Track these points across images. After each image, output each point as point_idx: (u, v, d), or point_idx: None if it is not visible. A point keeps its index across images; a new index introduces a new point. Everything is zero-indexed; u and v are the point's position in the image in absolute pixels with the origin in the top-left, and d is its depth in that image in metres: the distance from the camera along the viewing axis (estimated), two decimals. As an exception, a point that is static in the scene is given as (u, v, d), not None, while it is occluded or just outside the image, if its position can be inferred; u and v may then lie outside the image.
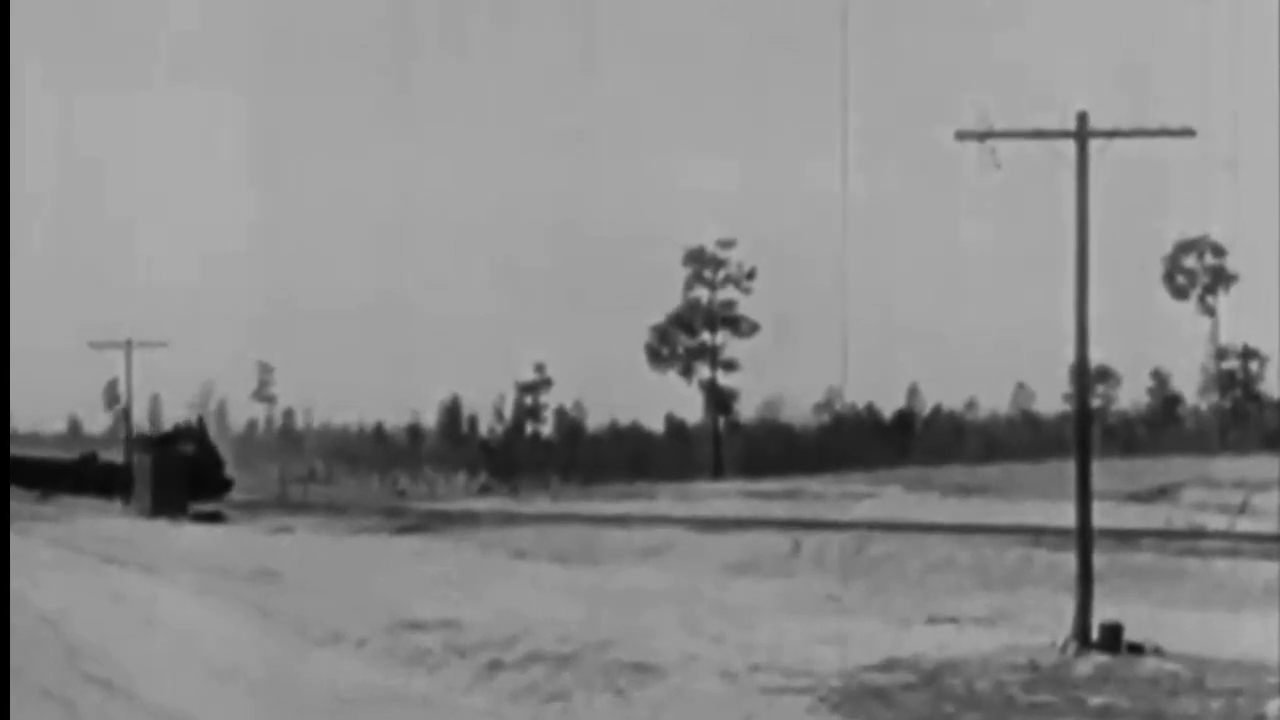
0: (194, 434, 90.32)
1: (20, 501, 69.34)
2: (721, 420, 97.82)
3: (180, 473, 73.30)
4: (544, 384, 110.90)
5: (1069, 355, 23.71)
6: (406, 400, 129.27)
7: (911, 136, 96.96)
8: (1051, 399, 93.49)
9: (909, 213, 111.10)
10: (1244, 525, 42.25)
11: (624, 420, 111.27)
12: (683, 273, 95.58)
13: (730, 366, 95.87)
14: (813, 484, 65.63)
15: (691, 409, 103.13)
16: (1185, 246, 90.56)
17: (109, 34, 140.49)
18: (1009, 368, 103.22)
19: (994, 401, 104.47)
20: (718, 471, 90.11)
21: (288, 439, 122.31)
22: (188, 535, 54.38)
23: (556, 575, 35.70)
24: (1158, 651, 21.17)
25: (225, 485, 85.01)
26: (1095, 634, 21.64)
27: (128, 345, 76.65)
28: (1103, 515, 27.60)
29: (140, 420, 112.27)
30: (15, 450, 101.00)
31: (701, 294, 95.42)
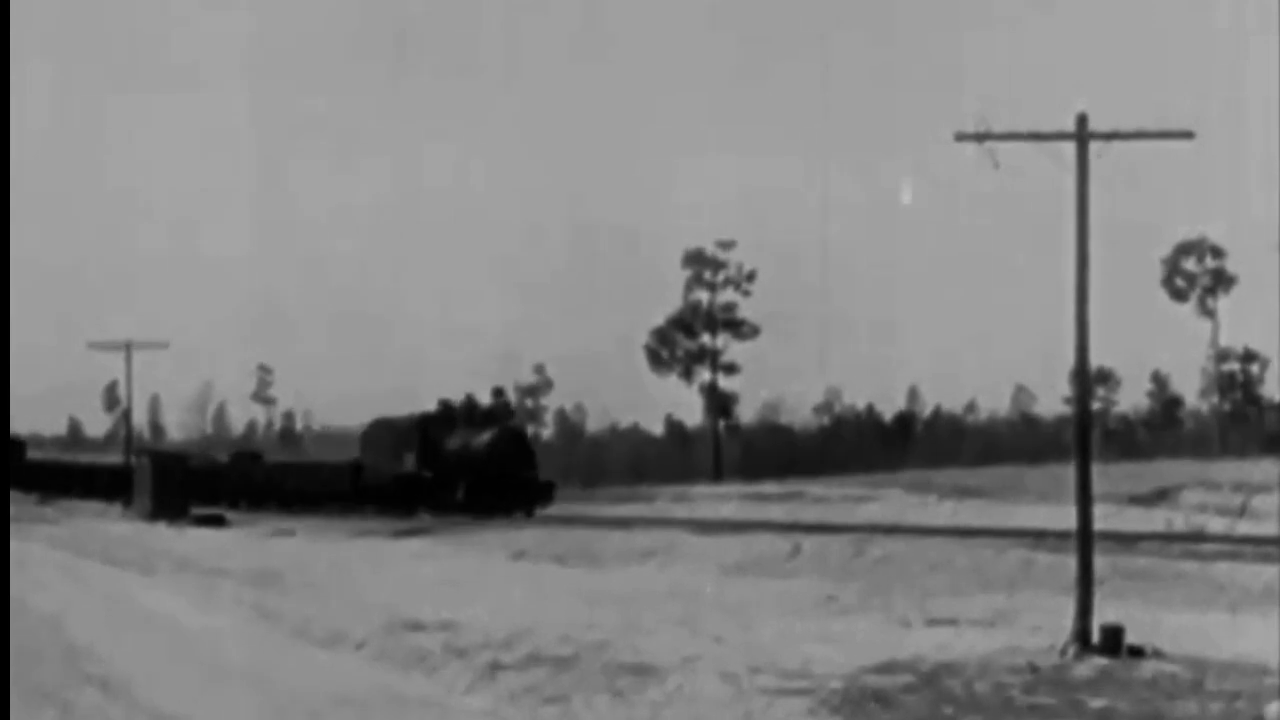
0: (493, 416, 65.82)
1: (20, 504, 69.34)
2: (721, 423, 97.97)
3: (181, 474, 70.46)
4: (544, 386, 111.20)
5: (1069, 358, 23.70)
6: (406, 403, 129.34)
7: (911, 138, 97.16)
8: (1051, 401, 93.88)
9: (909, 215, 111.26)
10: (1244, 528, 42.32)
11: (624, 423, 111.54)
12: (682, 275, 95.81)
13: (730, 369, 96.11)
14: (812, 486, 65.71)
15: (692, 411, 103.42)
16: (1184, 249, 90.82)
17: (112, 37, 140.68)
18: (1009, 370, 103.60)
19: (994, 404, 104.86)
20: (718, 474, 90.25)
21: (287, 441, 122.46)
22: (189, 538, 54.39)
23: (556, 576, 35.74)
24: (1158, 654, 21.16)
25: (543, 491, 60.77)
26: (1095, 636, 21.63)
27: (127, 347, 76.53)
28: (1103, 518, 27.65)
29: (140, 422, 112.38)
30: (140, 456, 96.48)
31: (701, 296, 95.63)
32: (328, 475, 68.81)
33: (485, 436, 61.31)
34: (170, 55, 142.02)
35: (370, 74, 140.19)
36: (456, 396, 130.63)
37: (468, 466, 60.13)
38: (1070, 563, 23.54)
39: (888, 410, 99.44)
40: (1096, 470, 23.67)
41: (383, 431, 66.18)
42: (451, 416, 64.02)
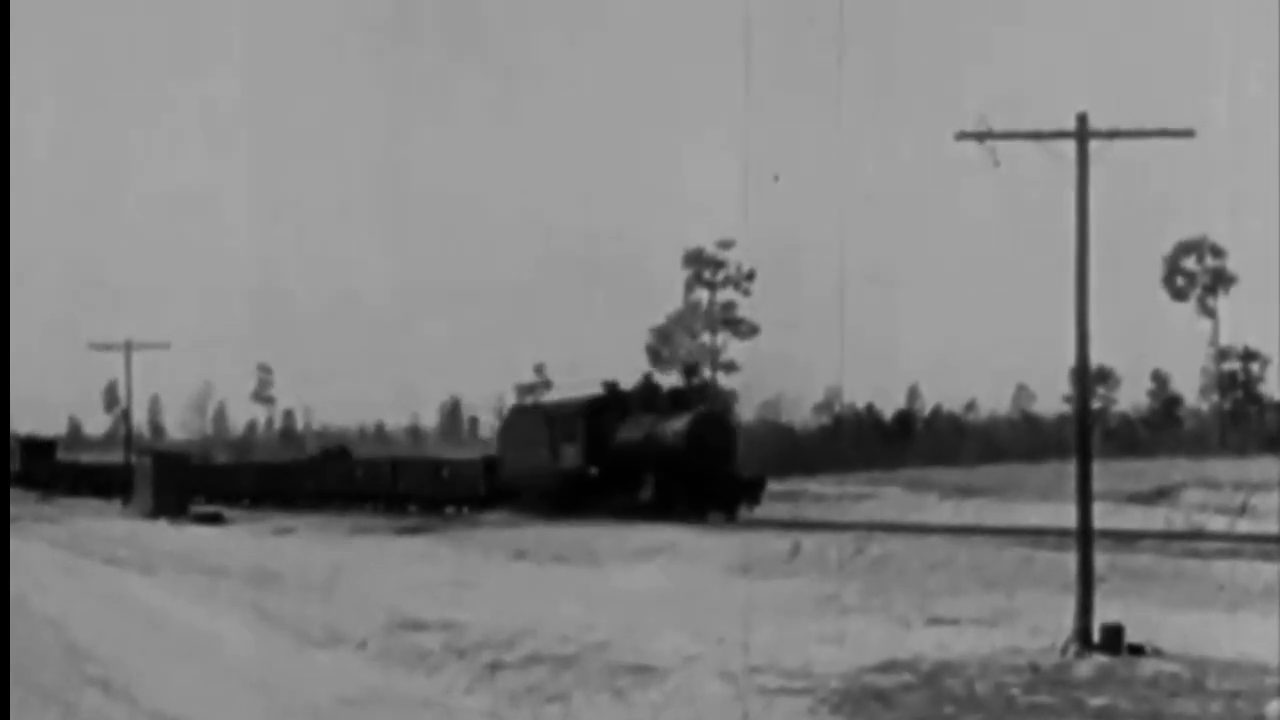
0: (683, 399, 54.23)
1: (21, 503, 69.32)
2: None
3: (182, 472, 70.28)
4: (544, 385, 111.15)
5: (1069, 357, 23.72)
6: (407, 402, 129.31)
7: (911, 137, 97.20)
8: (1052, 400, 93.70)
9: (909, 213, 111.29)
10: (1244, 526, 42.28)
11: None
12: (683, 274, 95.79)
13: (730, 368, 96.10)
14: (812, 485, 65.57)
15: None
16: (1185, 248, 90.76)
17: (111, 34, 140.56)
18: (1009, 369, 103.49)
19: (994, 403, 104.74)
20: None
21: (288, 440, 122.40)
22: (188, 536, 54.39)
23: (557, 576, 35.76)
24: (1158, 653, 21.18)
25: (749, 489, 50.03)
26: (1096, 635, 21.65)
27: (127, 346, 76.51)
28: (1103, 516, 27.65)
29: (140, 421, 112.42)
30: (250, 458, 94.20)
31: (702, 296, 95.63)
32: (453, 474, 60.23)
33: (679, 424, 50.30)
34: (170, 51, 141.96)
35: (371, 74, 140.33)
36: (457, 394, 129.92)
37: (654, 460, 49.94)
38: (1070, 561, 23.55)
39: (888, 409, 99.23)
40: (1097, 469, 23.68)
41: (531, 421, 56.49)
42: (624, 401, 53.62)
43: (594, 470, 52.07)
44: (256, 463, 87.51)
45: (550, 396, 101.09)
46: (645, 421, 51.62)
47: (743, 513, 48.87)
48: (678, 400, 53.37)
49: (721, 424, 52.40)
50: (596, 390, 55.25)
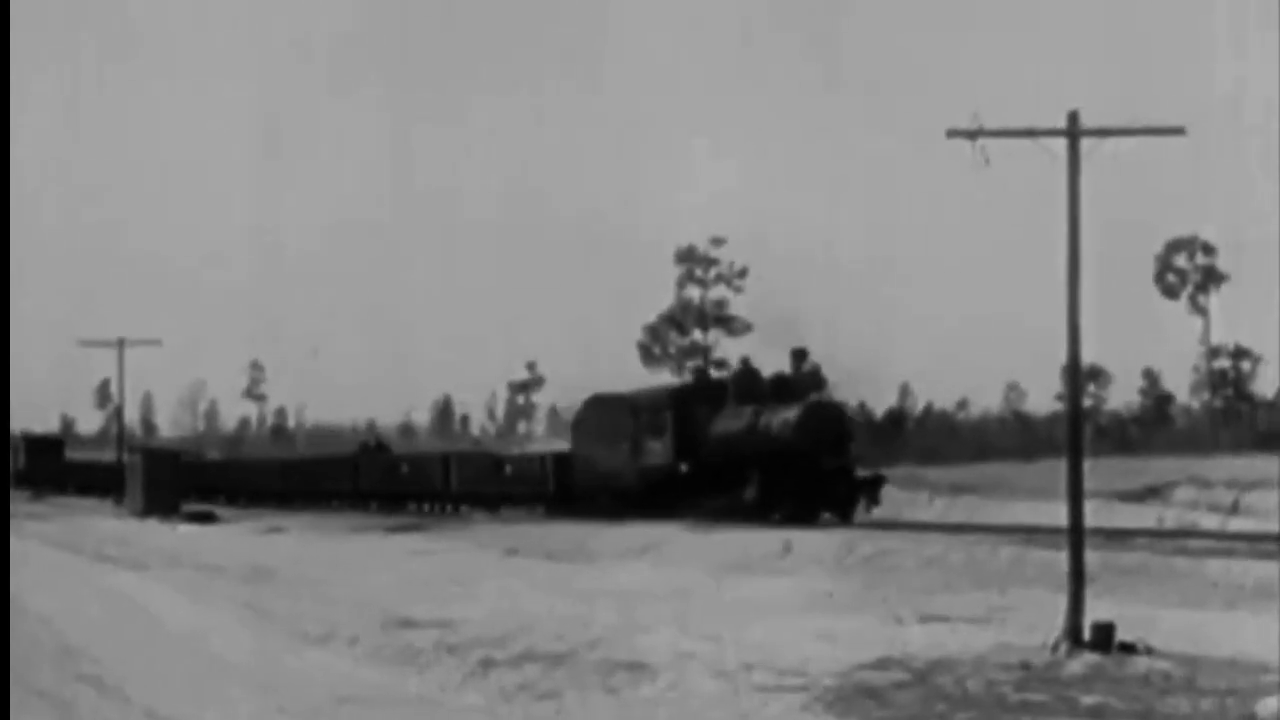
0: (789, 387, 46.95)
1: (14, 502, 69.28)
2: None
3: (173, 471, 70.11)
4: (536, 383, 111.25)
5: (1060, 355, 23.77)
6: (399, 399, 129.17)
7: (904, 136, 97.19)
8: (1043, 398, 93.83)
9: (900, 210, 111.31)
10: (1236, 524, 42.35)
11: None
12: (675, 271, 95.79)
13: (722, 366, 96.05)
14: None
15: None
16: (1176, 245, 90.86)
17: (112, 35, 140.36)
18: (1001, 367, 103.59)
19: (986, 401, 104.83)
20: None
21: (279, 438, 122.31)
22: (181, 534, 54.41)
23: (550, 573, 35.78)
24: (1149, 651, 21.23)
25: (867, 488, 45.16)
26: (1087, 633, 21.70)
27: (120, 344, 76.38)
28: (1094, 514, 27.71)
29: (132, 419, 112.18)
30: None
31: (694, 293, 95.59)
32: (516, 471, 55.57)
33: (789, 414, 44.86)
34: (168, 51, 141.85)
35: (367, 72, 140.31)
36: (449, 392, 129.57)
37: (758, 456, 44.73)
38: (1062, 559, 23.61)
39: (879, 406, 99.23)
40: (1088, 467, 23.74)
41: (610, 412, 50.66)
42: (717, 389, 48.62)
43: (684, 467, 47.21)
44: (278, 459, 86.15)
45: (545, 393, 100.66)
46: (746, 412, 46.32)
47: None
48: (782, 387, 46.91)
49: (837, 414, 46.58)
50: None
